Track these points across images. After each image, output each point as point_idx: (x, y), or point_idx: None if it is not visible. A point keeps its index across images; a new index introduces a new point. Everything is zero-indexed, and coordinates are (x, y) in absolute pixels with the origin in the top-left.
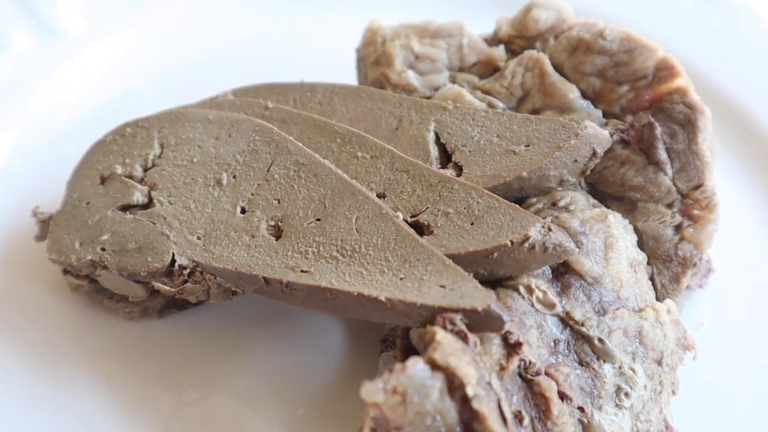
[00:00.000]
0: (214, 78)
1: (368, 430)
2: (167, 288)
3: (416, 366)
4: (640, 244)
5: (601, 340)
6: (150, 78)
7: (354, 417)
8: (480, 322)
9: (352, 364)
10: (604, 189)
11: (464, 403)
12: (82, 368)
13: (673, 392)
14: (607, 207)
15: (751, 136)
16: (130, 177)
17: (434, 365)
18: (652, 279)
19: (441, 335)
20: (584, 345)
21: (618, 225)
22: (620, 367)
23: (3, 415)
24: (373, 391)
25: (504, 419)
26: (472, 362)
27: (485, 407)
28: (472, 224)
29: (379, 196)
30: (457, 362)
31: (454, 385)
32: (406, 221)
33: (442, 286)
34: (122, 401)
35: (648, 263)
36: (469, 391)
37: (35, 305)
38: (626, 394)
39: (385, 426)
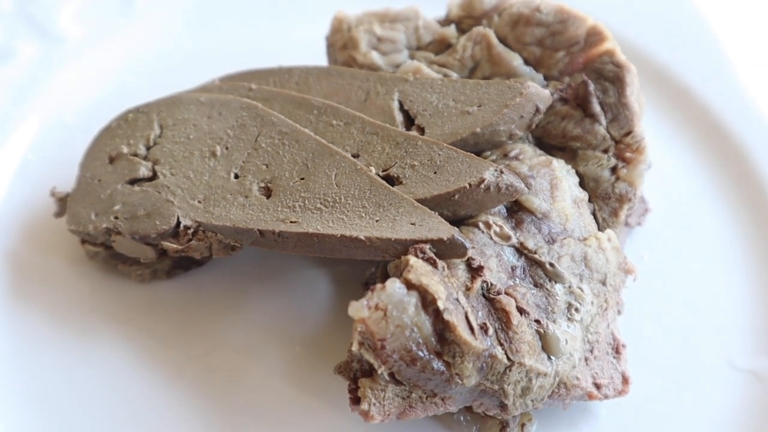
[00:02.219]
0: (201, 70)
1: (357, 344)
2: (175, 246)
3: (394, 285)
4: (582, 185)
5: (551, 265)
6: (144, 73)
7: (343, 349)
8: (446, 250)
9: (339, 307)
10: (549, 141)
11: (437, 316)
12: (102, 327)
13: (619, 312)
14: (552, 156)
15: (672, 89)
16: (135, 155)
17: (409, 285)
18: (594, 214)
19: (413, 260)
20: (537, 269)
21: (561, 169)
22: (569, 287)
23: (38, 368)
24: (358, 308)
25: (471, 329)
26: (441, 282)
27: (455, 318)
28: (435, 173)
29: (353, 156)
30: (429, 281)
31: (427, 301)
32: (378, 175)
33: (412, 224)
34: (138, 355)
35: (590, 201)
36: (440, 305)
37: (57, 275)
38: (576, 310)
39: (371, 339)
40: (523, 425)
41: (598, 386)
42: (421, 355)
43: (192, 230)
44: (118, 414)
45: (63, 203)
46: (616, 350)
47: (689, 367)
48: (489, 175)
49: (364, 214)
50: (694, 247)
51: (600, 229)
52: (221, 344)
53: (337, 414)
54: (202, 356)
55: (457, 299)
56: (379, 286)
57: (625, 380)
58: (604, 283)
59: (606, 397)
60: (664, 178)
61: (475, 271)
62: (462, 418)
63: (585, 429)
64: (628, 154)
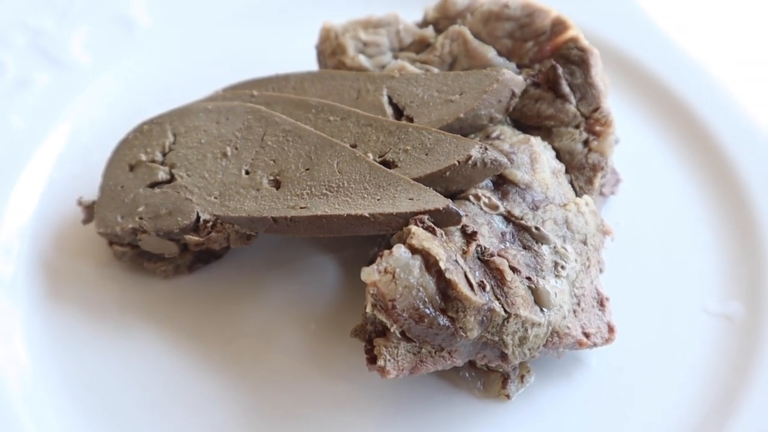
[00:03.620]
0: (204, 84)
1: (370, 306)
2: (196, 239)
3: (400, 250)
4: (559, 159)
5: (537, 228)
6: (151, 91)
7: (354, 323)
8: (442, 219)
9: (347, 287)
10: (525, 122)
11: (439, 276)
12: (131, 321)
13: (601, 270)
14: (529, 135)
15: (633, 72)
16: (153, 161)
17: (413, 249)
18: (571, 183)
19: (415, 229)
20: (525, 233)
21: (539, 144)
22: (554, 248)
23: (77, 359)
24: (370, 273)
25: (471, 286)
26: (440, 246)
27: (455, 277)
28: (426, 155)
29: (351, 146)
30: (430, 245)
31: (430, 263)
32: (375, 161)
33: (410, 199)
34: (166, 343)
35: (566, 172)
36: (442, 265)
37: (88, 277)
38: (562, 267)
39: (382, 300)
40: (522, 377)
41: (587, 335)
42: (428, 312)
43: (211, 223)
44: (154, 395)
45: (90, 210)
46: (601, 303)
47: (668, 315)
48: (475, 152)
49: (366, 195)
50: (664, 211)
51: (578, 196)
52: (242, 327)
53: (352, 381)
54: (225, 339)
55: (456, 261)
56: (386, 252)
57: (610, 329)
58: (585, 243)
59: (595, 344)
60: (632, 152)
61: (469, 236)
62: (467, 375)
63: (578, 377)
64: (597, 128)
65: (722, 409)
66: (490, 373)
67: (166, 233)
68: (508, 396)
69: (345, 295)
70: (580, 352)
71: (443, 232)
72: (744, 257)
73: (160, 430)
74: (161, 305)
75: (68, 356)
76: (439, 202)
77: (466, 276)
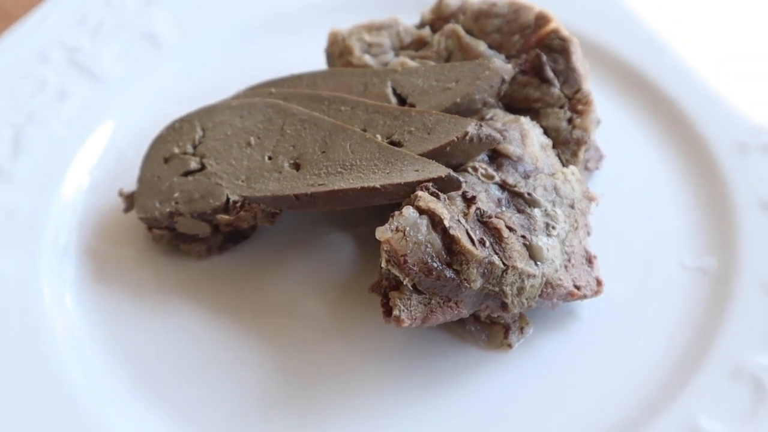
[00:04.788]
0: (226, 87)
1: (384, 261)
2: (227, 218)
3: (409, 210)
4: (546, 135)
5: (529, 194)
6: (177, 98)
7: (367, 291)
8: (445, 185)
9: (361, 259)
10: (515, 105)
11: (444, 233)
12: (170, 298)
13: (588, 233)
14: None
15: (611, 62)
16: (185, 153)
17: (420, 210)
18: (558, 157)
19: (421, 193)
20: (518, 199)
21: (528, 123)
22: (545, 210)
23: (124, 333)
24: (383, 231)
25: (473, 242)
26: (444, 207)
27: (459, 233)
28: (428, 134)
29: (362, 130)
30: (435, 206)
31: (435, 222)
32: (383, 141)
33: (416, 170)
34: (202, 317)
35: (554, 147)
36: (446, 223)
37: (129, 261)
38: (553, 227)
39: (395, 256)
40: (522, 328)
41: (577, 287)
42: (436, 265)
43: (240, 204)
44: (189, 360)
45: (130, 200)
46: (589, 260)
47: (649, 271)
48: (471, 128)
49: (376, 170)
50: (643, 181)
51: (564, 167)
52: (269, 299)
53: (369, 339)
54: (254, 311)
55: (459, 220)
56: (397, 212)
57: (598, 282)
58: (572, 207)
59: (585, 296)
60: (613, 131)
61: (469, 200)
62: (473, 328)
63: (571, 327)
64: (579, 107)
65: (698, 346)
66: (493, 326)
67: (200, 214)
68: (510, 345)
69: (359, 266)
70: (572, 305)
71: (446, 197)
72: (714, 218)
73: (195, 389)
74: (195, 283)
75: (113, 328)
76: (442, 170)
77: (467, 233)
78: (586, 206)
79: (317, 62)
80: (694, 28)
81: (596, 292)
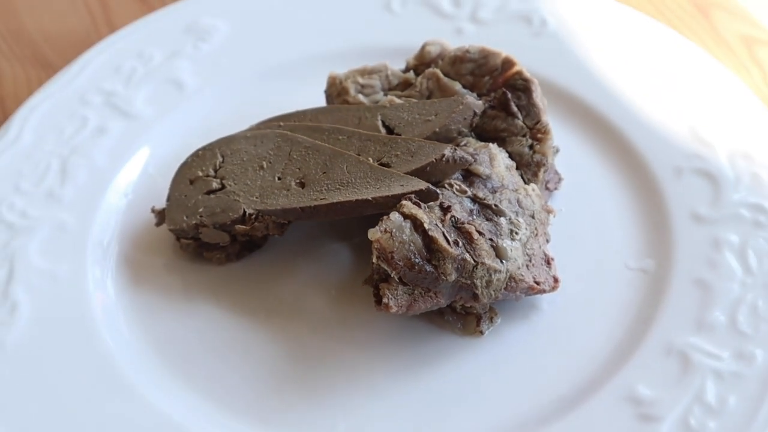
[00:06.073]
0: (241, 123)
1: (375, 257)
2: (244, 228)
3: (395, 215)
4: (510, 159)
5: (496, 206)
6: (198, 132)
7: (363, 288)
8: (425, 197)
9: (358, 265)
10: (485, 134)
11: (424, 234)
12: (195, 299)
13: (547, 240)
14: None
15: (566, 99)
16: (207, 176)
17: (404, 215)
18: (522, 177)
19: (405, 202)
20: (487, 210)
21: (495, 148)
22: (510, 219)
23: (158, 329)
24: (374, 232)
25: (448, 242)
26: (425, 214)
27: (437, 234)
28: (411, 157)
29: (356, 155)
30: (417, 212)
31: (417, 225)
32: (374, 164)
33: (401, 185)
34: (223, 316)
35: (517, 168)
36: (426, 226)
37: (159, 268)
38: (516, 233)
39: (384, 253)
40: (491, 318)
41: (537, 283)
42: (417, 261)
43: (254, 216)
44: (217, 348)
45: (161, 215)
46: (547, 262)
47: (600, 271)
48: (447, 152)
49: (369, 186)
50: (595, 199)
51: (527, 184)
52: (279, 297)
53: (362, 328)
54: (267, 308)
55: (437, 225)
56: (385, 217)
57: (555, 280)
58: (533, 217)
59: (544, 291)
60: (569, 158)
61: (445, 209)
62: (450, 318)
63: (533, 317)
64: (539, 136)
65: (638, 330)
66: (467, 316)
67: (221, 225)
68: (481, 332)
69: (354, 270)
70: (533, 299)
71: (426, 206)
72: (653, 228)
73: (217, 369)
74: (217, 285)
75: (147, 322)
76: (422, 184)
77: (444, 235)
78: (545, 217)
79: (318, 101)
80: (638, 69)
81: (553, 288)
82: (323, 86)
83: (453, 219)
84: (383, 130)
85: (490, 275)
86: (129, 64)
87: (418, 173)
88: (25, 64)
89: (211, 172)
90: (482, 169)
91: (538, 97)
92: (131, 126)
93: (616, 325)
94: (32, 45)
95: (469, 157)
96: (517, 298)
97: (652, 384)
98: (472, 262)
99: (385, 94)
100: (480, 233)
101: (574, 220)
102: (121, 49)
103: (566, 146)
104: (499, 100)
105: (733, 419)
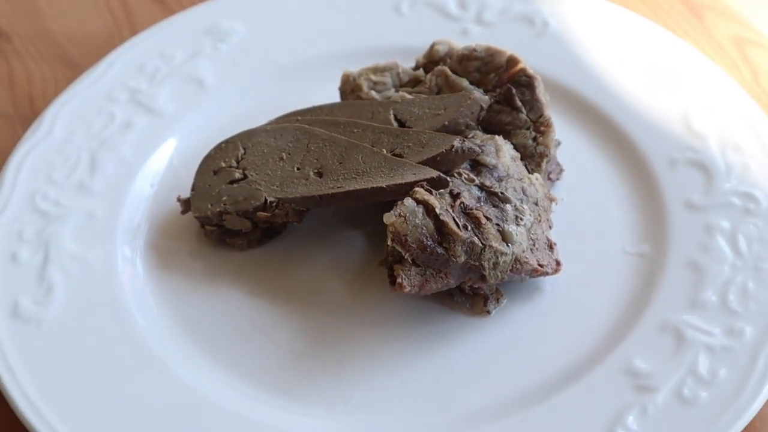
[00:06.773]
0: (261, 118)
1: (390, 240)
2: (265, 215)
3: (409, 201)
4: (515, 150)
5: (502, 193)
6: (219, 127)
7: (378, 271)
8: (436, 184)
9: (372, 250)
10: (491, 128)
11: (436, 219)
12: (218, 283)
13: (550, 227)
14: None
15: (567, 96)
16: (230, 167)
17: (417, 201)
18: (525, 167)
19: (418, 188)
20: (493, 197)
21: (501, 140)
22: (515, 206)
23: (185, 309)
24: (389, 216)
25: (458, 226)
26: (436, 199)
27: (447, 219)
28: (423, 148)
29: (371, 146)
30: (428, 198)
31: (429, 210)
32: (388, 154)
33: (413, 174)
34: (244, 298)
35: (521, 159)
36: (438, 211)
37: (184, 254)
38: (521, 219)
39: (398, 235)
40: (498, 298)
41: (540, 265)
42: (429, 244)
43: (275, 204)
44: (239, 327)
45: (187, 204)
46: (550, 246)
47: (599, 255)
48: (456, 143)
49: (383, 175)
50: (594, 189)
51: (530, 174)
52: (298, 282)
53: (377, 309)
54: (286, 291)
55: (447, 210)
56: (400, 202)
57: (557, 263)
58: (536, 204)
59: (547, 273)
60: (570, 150)
61: (455, 196)
62: (459, 299)
63: (537, 298)
64: (542, 128)
65: (635, 309)
66: (475, 296)
67: (244, 212)
68: (488, 312)
69: (369, 255)
70: (537, 280)
71: (437, 193)
72: (649, 216)
73: (240, 346)
74: (239, 270)
75: (173, 303)
76: (433, 173)
77: (454, 219)
78: (548, 205)
79: (333, 97)
80: (635, 68)
81: (556, 271)
82: (337, 83)
83: (462, 205)
84: (395, 124)
85: (497, 257)
86: (152, 63)
87: (429, 163)
88: (52, 65)
89: (234, 164)
90: (489, 159)
91: (541, 92)
92: (156, 121)
93: (615, 304)
94: (58, 47)
95: (477, 148)
96: (522, 279)
97: (649, 358)
98: (480, 245)
99: (397, 91)
100: (487, 218)
101: (575, 208)
102: (144, 49)
103: (567, 139)
104: (504, 96)
105: (723, 390)
